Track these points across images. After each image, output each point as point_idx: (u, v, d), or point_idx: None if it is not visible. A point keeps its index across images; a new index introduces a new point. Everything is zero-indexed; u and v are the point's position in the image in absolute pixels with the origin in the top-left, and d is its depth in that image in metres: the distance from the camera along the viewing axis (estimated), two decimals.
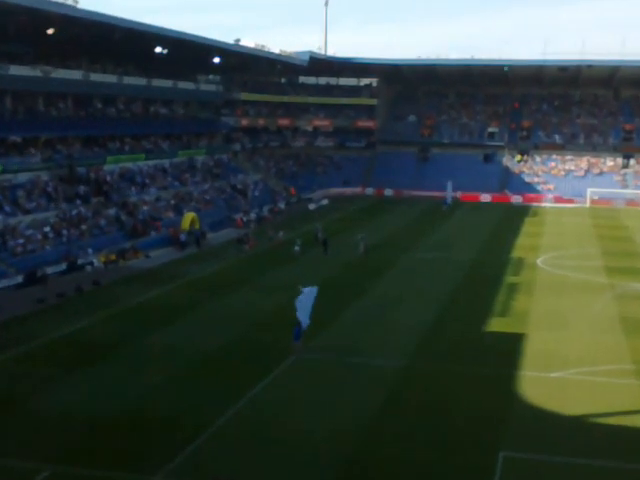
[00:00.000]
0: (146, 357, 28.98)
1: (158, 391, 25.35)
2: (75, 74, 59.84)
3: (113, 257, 47.51)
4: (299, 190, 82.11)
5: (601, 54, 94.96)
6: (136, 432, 22.17)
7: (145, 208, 57.58)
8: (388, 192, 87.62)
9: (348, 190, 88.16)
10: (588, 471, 20.33)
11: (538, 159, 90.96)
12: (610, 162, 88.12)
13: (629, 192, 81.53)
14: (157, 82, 71.05)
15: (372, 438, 21.98)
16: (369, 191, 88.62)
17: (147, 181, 62.78)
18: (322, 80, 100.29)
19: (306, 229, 60.09)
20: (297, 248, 49.64)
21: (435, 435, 22.17)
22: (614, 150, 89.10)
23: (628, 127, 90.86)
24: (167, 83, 73.07)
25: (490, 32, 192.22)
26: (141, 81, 68.98)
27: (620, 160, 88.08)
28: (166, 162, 68.97)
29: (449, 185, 78.68)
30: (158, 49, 61.64)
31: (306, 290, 29.79)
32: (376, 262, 48.09)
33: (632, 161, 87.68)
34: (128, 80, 66.91)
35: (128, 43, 58.73)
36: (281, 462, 20.41)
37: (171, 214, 58.92)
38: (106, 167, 60.02)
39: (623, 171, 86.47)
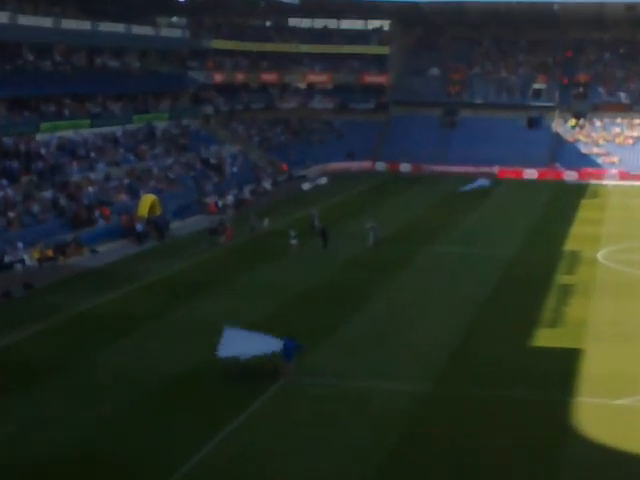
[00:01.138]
0: (92, 383, 28.90)
1: (106, 427, 25.27)
2: None
3: (50, 253, 47.45)
4: (290, 166, 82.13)
5: None
6: None
7: (91, 190, 57.52)
8: (404, 167, 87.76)
9: (353, 165, 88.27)
10: None
11: (598, 124, 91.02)
12: None
13: None
14: (105, 27, 70.85)
15: None
16: (380, 166, 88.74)
17: (93, 155, 62.74)
18: (318, 23, 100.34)
19: (299, 216, 60.12)
20: (293, 241, 49.53)
21: None
22: None
23: None
24: (118, 28, 72.87)
25: None
26: (84, 25, 68.75)
27: None
28: (118, 130, 68.95)
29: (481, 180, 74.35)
30: None
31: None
32: (389, 258, 48.13)
33: None
34: (67, 24, 66.71)
35: None
36: None
37: (124, 197, 58.91)
38: (39, 137, 60.00)
39: None
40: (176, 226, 57.28)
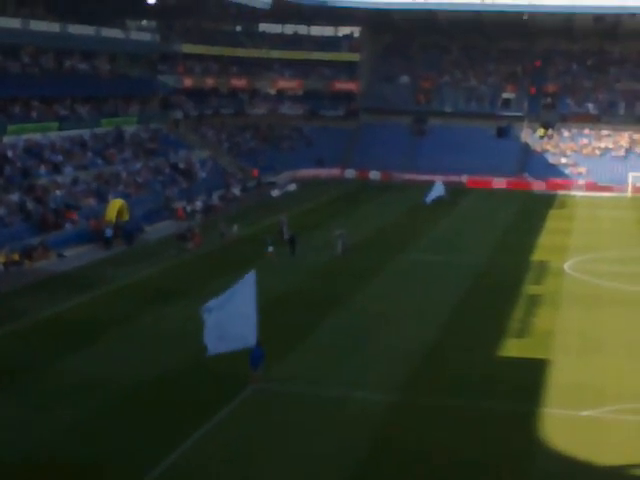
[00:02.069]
0: (56, 389, 28.75)
1: (72, 431, 25.18)
2: None
3: (16, 257, 47.14)
4: (259, 172, 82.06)
5: None
6: None
7: (58, 193, 57.25)
8: (374, 175, 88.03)
9: (322, 172, 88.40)
10: None
11: (566, 134, 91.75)
12: None
13: None
14: (74, 29, 70.71)
15: None
16: (349, 173, 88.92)
17: (61, 158, 62.39)
18: (289, 29, 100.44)
19: (268, 223, 60.10)
20: (270, 249, 49.35)
21: None
22: None
23: None
24: (87, 30, 72.73)
25: None
26: (53, 27, 68.55)
27: None
28: (86, 133, 68.63)
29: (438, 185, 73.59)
30: None
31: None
32: (358, 266, 48.21)
33: None
34: (36, 26, 66.42)
35: None
36: None
37: (92, 201, 58.63)
38: (6, 139, 59.64)
39: None
40: (144, 231, 57.01)
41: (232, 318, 28.27)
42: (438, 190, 71.79)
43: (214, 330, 28.18)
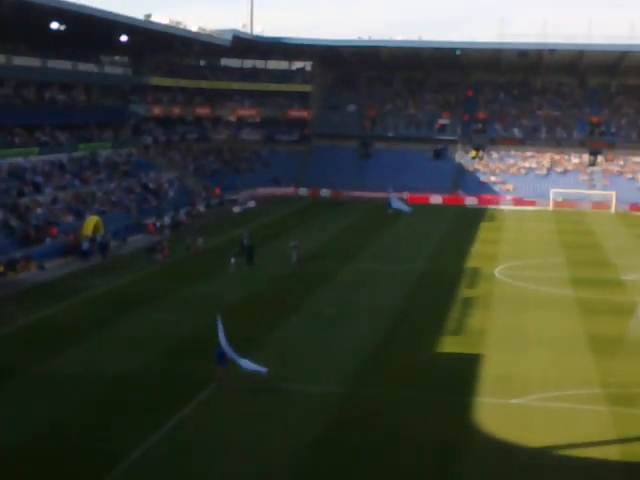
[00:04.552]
0: (40, 388, 28.44)
1: (55, 427, 24.90)
2: None
3: (1, 269, 46.58)
4: (222, 190, 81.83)
5: (565, 37, 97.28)
6: (29, 474, 21.72)
7: (39, 211, 56.61)
8: (325, 193, 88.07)
9: (278, 190, 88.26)
10: None
11: (495, 155, 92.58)
12: (575, 159, 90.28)
13: (596, 193, 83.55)
14: (53, 63, 70.09)
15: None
16: (303, 192, 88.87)
17: (41, 179, 61.71)
18: (248, 63, 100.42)
19: (230, 236, 59.90)
20: (233, 260, 49.06)
21: (379, 474, 22.22)
22: (580, 145, 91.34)
23: (595, 120, 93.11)
24: (65, 64, 72.12)
25: (440, 10, 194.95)
26: (34, 62, 67.92)
27: (587, 157, 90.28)
28: (64, 157, 67.95)
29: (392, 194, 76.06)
30: (54, 25, 60.67)
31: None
32: (311, 274, 48.19)
33: (600, 158, 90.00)
34: (18, 61, 65.87)
35: (18, 17, 57.76)
36: None
37: (70, 218, 58.04)
38: None
39: (590, 169, 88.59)
40: (117, 245, 56.60)
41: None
42: (398, 204, 73.15)
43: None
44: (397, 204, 73.18)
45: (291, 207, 79.53)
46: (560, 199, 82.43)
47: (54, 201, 59.71)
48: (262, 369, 28.24)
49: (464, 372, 30.45)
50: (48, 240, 53.33)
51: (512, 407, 27.26)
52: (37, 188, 60.11)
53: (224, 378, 28.53)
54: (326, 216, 74.35)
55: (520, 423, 25.84)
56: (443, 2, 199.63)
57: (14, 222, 53.32)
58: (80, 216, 58.42)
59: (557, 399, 27.97)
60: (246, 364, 28.37)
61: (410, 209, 72.23)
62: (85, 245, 52.96)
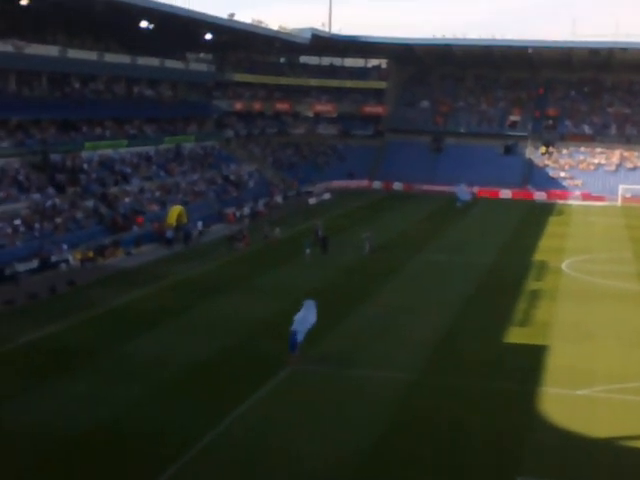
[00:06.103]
0: (125, 367, 28.94)
1: (138, 405, 25.32)
2: (51, 50, 59.83)
3: (90, 254, 47.48)
4: (299, 183, 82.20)
5: (636, 35, 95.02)
6: (113, 450, 22.13)
7: (127, 200, 57.58)
8: (397, 186, 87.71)
9: (353, 183, 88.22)
10: None
11: (565, 151, 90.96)
12: None
13: None
14: (142, 60, 71.00)
15: (375, 464, 21.84)
16: (376, 185, 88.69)
17: (129, 170, 62.76)
18: (325, 60, 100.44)
19: (305, 226, 60.11)
20: (308, 251, 49.28)
21: (445, 459, 22.11)
22: None
23: None
24: (153, 62, 73.03)
25: (513, 10, 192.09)
26: (124, 59, 68.90)
27: None
28: (151, 149, 68.95)
29: (461, 186, 77.73)
30: (143, 24, 61.61)
31: (306, 303, 29.81)
32: (382, 264, 48.08)
33: None
34: (110, 58, 66.82)
35: (110, 16, 58.73)
36: None
37: (156, 207, 58.91)
38: (84, 154, 59.99)
39: None
40: (199, 233, 57.19)
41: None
42: (464, 194, 74.58)
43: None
44: (461, 193, 75.54)
45: (364, 200, 79.36)
46: (629, 195, 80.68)
47: (141, 191, 60.68)
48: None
49: (530, 363, 30.06)
50: (135, 228, 54.22)
51: (577, 398, 26.80)
52: (125, 178, 61.16)
53: (298, 362, 28.68)
54: (398, 208, 74.06)
55: (584, 414, 25.41)
56: (515, 2, 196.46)
57: (104, 210, 54.37)
58: (165, 205, 59.24)
59: (622, 391, 27.42)
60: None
61: (470, 197, 74.24)
62: (169, 233, 53.67)
